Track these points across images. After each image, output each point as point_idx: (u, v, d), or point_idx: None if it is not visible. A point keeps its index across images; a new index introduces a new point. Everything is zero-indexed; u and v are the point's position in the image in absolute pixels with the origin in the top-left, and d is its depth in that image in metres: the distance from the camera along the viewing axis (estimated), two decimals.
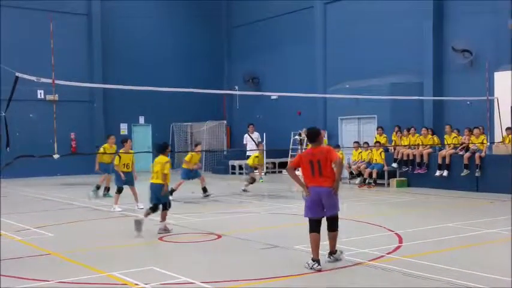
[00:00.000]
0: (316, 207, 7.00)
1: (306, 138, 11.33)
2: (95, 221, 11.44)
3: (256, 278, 6.54)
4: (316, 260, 6.85)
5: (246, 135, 18.28)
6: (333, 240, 7.18)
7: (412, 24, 19.92)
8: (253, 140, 18.19)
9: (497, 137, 16.11)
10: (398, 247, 8.14)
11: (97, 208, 13.26)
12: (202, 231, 9.81)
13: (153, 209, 9.68)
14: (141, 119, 26.21)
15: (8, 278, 6.61)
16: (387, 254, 7.64)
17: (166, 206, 9.75)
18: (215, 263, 7.50)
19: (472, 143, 15.73)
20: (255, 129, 18.74)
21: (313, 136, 7.19)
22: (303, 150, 10.95)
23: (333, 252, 7.23)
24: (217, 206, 13.55)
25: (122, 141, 13.43)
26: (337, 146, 19.82)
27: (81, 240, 9.36)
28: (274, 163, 24.18)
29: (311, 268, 6.78)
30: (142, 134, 26.15)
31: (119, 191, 12.81)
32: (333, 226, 7.16)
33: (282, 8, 25.16)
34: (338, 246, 7.46)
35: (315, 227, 7.00)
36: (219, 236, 9.28)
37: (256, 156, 16.52)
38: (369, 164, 17.83)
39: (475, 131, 15.79)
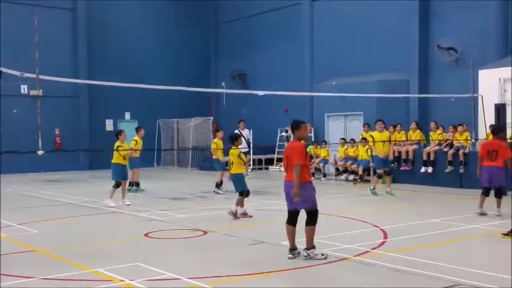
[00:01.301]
0: (287, 199, 7.37)
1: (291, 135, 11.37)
2: (80, 217, 11.36)
3: (243, 274, 6.55)
4: (291, 248, 7.29)
5: (236, 132, 18.23)
6: (307, 235, 7.23)
7: (398, 22, 20.04)
8: (244, 137, 18.13)
9: (482, 134, 16.27)
10: (383, 242, 8.19)
11: (82, 204, 13.17)
12: (189, 227, 9.80)
13: (243, 194, 10.78)
14: (127, 115, 26.06)
15: None
16: (372, 249, 7.69)
17: (244, 193, 10.79)
18: (201, 259, 7.49)
19: (456, 139, 15.89)
20: (245, 126, 18.69)
21: (292, 127, 7.45)
22: None
23: (307, 248, 7.24)
24: (204, 202, 13.54)
25: (116, 133, 13.38)
26: (324, 142, 19.96)
27: (65, 237, 9.29)
28: (260, 159, 24.19)
29: (289, 258, 7.19)
30: (128, 130, 25.88)
31: (118, 185, 12.67)
32: (308, 220, 7.28)
33: (270, 5, 25.16)
34: (325, 242, 7.47)
35: (289, 219, 7.35)
36: (206, 232, 9.28)
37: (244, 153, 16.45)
38: (355, 160, 17.93)
39: (459, 128, 15.96)
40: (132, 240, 8.89)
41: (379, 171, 14.22)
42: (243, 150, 17.06)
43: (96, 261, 7.16)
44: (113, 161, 12.84)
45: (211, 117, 25.89)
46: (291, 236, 7.29)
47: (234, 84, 26.18)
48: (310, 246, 7.22)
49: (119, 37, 25.50)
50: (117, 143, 12.85)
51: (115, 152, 12.75)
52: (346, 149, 18.60)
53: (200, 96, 25.76)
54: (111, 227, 10.34)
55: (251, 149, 20.40)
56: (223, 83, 26.71)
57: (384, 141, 13.87)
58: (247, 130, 19.14)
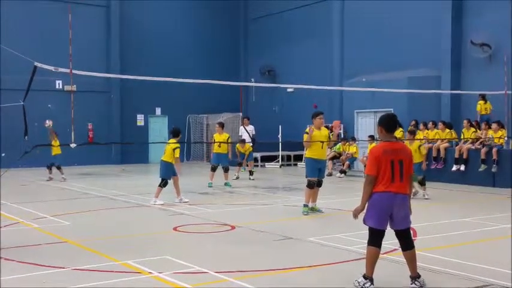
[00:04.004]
0: (396, 217, 5.82)
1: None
2: (111, 210, 11.57)
3: (269, 269, 6.57)
4: (368, 277, 5.78)
5: (241, 128, 18.79)
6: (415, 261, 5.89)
7: (430, 18, 19.73)
8: (248, 133, 18.77)
9: None
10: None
11: (113, 198, 13.40)
12: (216, 222, 9.87)
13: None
14: (158, 111, 26.36)
15: (24, 265, 6.73)
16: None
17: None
18: (228, 253, 7.55)
19: (488, 137, 15.57)
20: (249, 122, 19.06)
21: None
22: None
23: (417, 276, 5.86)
24: (232, 197, 13.61)
25: (175, 132, 12.57)
26: (353, 139, 19.83)
27: (96, 229, 9.48)
28: (289, 156, 24.19)
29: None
30: (159, 126, 26.31)
31: (165, 184, 12.15)
32: (409, 242, 5.91)
33: (299, 2, 25.05)
34: (354, 239, 7.37)
35: (377, 240, 5.81)
36: (233, 227, 9.33)
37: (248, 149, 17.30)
38: None
39: (493, 125, 15.62)
40: (161, 234, 9.02)
41: (310, 179, 10.62)
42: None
43: (126, 254, 7.28)
44: (163, 158, 12.12)
45: (241, 113, 25.99)
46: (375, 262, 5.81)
47: (264, 80, 26.21)
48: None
49: (150, 33, 25.78)
50: (175, 143, 12.10)
51: (168, 150, 12.02)
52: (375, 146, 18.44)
53: (230, 92, 25.93)
54: (141, 220, 10.49)
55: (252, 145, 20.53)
56: (252, 79, 26.76)
57: (322, 142, 10.54)
58: (252, 126, 19.50)
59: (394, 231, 5.86)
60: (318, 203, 10.92)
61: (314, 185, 10.56)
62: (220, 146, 15.68)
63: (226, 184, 15.38)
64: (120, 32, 25.17)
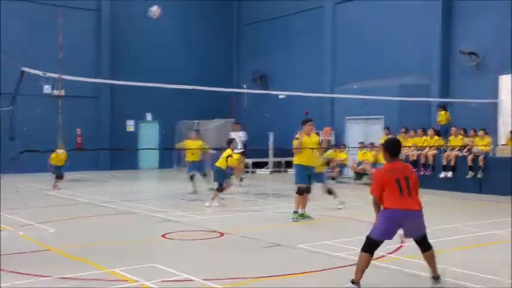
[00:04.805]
0: (407, 231, 6.06)
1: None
2: (98, 217, 11.46)
3: (258, 276, 6.53)
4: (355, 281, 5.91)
5: (231, 134, 18.74)
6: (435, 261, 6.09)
7: (420, 26, 19.87)
8: (237, 139, 18.44)
9: (503, 140, 16.07)
10: (400, 247, 8.08)
11: (101, 205, 13.29)
12: (205, 229, 9.81)
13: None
14: (149, 116, 26.27)
15: (8, 274, 6.61)
16: (389, 253, 7.61)
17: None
18: (217, 260, 7.49)
19: (475, 145, 15.69)
20: (240, 128, 18.93)
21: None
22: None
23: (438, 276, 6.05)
24: (221, 204, 13.52)
25: (228, 142, 13.91)
26: (343, 146, 19.87)
27: (83, 236, 9.38)
28: (280, 162, 24.17)
29: None
30: (150, 131, 26.19)
31: (221, 189, 12.92)
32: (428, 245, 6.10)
33: (292, 8, 25.11)
34: (343, 246, 7.36)
35: (373, 248, 5.99)
36: (222, 234, 9.28)
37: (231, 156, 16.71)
38: (374, 164, 17.78)
39: (480, 133, 15.77)
40: (148, 241, 8.94)
41: (300, 185, 10.54)
42: (237, 151, 17.39)
43: (112, 261, 7.20)
44: (216, 164, 13.03)
45: (233, 119, 25.94)
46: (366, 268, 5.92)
47: (255, 86, 26.19)
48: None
49: (142, 38, 25.67)
50: (228, 151, 13.03)
51: (222, 157, 12.93)
52: (365, 153, 18.49)
53: (222, 98, 25.86)
54: (129, 227, 10.41)
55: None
56: (244, 85, 26.75)
57: (312, 148, 10.52)
58: (243, 132, 19.41)
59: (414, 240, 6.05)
60: (308, 209, 10.89)
61: (304, 191, 10.54)
62: (193, 154, 15.38)
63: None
64: (111, 36, 25.06)
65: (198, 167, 15.54)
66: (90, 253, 7.81)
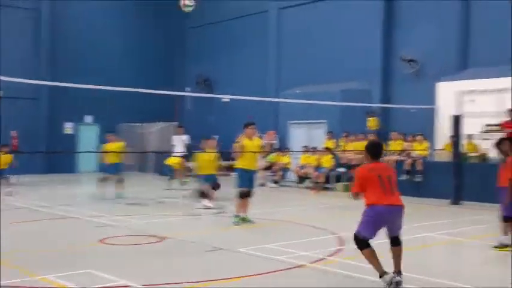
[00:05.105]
0: (390, 227, 6.31)
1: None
2: (34, 222, 11.05)
3: (198, 281, 6.45)
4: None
5: (173, 137, 18.65)
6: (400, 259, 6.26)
7: (362, 33, 20.33)
8: (179, 142, 18.45)
9: (440, 144, 16.64)
10: (339, 250, 8.22)
11: (36, 209, 12.83)
12: (146, 233, 9.63)
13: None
14: (88, 119, 25.63)
15: None
16: (328, 256, 7.71)
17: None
18: (157, 265, 7.35)
19: (414, 150, 16.19)
20: (184, 131, 18.96)
21: None
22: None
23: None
24: (163, 208, 13.36)
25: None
26: (286, 149, 20.06)
27: (17, 242, 8.98)
28: (225, 165, 24.06)
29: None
30: (90, 134, 25.53)
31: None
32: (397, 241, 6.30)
33: (237, 11, 25.16)
34: (282, 249, 7.39)
35: (367, 244, 6.17)
36: (163, 239, 9.14)
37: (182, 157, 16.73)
38: (317, 168, 18.04)
39: (418, 137, 16.29)
40: (86, 247, 8.68)
41: (242, 189, 10.55)
42: (179, 154, 17.35)
43: (47, 268, 6.93)
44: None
45: (176, 123, 25.66)
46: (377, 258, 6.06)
47: (199, 89, 26.05)
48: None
49: (82, 39, 25.05)
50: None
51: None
52: (308, 157, 18.73)
53: (165, 100, 25.55)
54: (65, 232, 10.09)
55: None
56: (188, 89, 26.56)
57: (254, 152, 10.60)
58: (186, 136, 19.44)
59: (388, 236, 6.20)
60: (250, 213, 10.89)
61: (245, 195, 10.53)
62: (113, 157, 15.05)
63: (119, 195, 14.80)
64: (50, 36, 24.32)
65: (116, 169, 15.16)
66: (24, 260, 7.50)
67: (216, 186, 13.06)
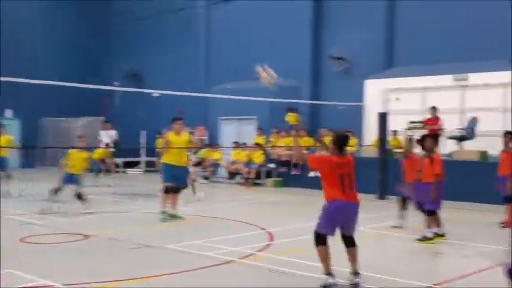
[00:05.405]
0: (347, 224, 6.31)
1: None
2: None
3: (121, 279, 6.26)
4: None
5: (101, 132, 18.27)
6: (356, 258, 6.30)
7: (292, 30, 20.57)
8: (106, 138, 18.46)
9: (368, 141, 17.10)
10: (268, 245, 8.23)
11: None
12: (69, 231, 9.25)
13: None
14: (9, 113, 24.43)
15: None
16: (257, 251, 7.70)
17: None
18: (80, 264, 7.09)
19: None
20: (111, 127, 18.60)
21: None
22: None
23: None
24: (88, 205, 12.87)
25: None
26: (217, 145, 19.96)
27: None
28: (153, 161, 23.65)
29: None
30: (9, 129, 24.26)
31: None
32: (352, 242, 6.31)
33: (165, 7, 24.81)
34: (211, 245, 7.27)
35: (324, 240, 6.17)
36: (87, 236, 8.81)
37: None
38: (247, 163, 18.06)
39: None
40: (5, 246, 8.20)
41: (167, 184, 10.41)
42: (107, 149, 17.08)
43: None
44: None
45: (102, 117, 24.96)
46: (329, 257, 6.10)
47: (128, 84, 25.47)
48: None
49: (2, 31, 23.85)
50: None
51: None
52: (238, 152, 18.73)
53: (90, 94, 24.73)
54: None
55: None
56: (116, 83, 25.89)
57: (181, 148, 10.43)
58: (114, 131, 19.04)
59: (342, 235, 6.17)
60: (179, 209, 10.71)
61: (171, 190, 10.34)
62: None
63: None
64: None
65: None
66: None
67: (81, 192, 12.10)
